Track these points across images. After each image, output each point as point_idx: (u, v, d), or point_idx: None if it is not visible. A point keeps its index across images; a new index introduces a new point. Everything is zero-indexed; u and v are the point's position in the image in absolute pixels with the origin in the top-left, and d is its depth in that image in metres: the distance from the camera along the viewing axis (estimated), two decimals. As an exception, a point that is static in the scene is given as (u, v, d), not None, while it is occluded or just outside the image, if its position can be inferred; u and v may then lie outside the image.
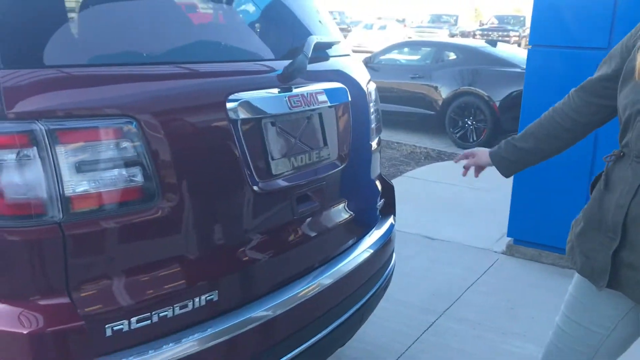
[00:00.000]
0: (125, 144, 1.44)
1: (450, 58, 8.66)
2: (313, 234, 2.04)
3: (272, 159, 1.85)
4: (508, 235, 4.29)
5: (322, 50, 2.16)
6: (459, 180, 6.12)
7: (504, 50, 8.70)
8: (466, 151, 2.00)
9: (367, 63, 9.35)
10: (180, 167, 1.57)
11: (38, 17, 1.45)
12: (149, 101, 1.53)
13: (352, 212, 2.26)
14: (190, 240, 1.63)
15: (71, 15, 1.55)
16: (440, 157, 7.50)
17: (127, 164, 1.45)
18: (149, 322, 1.50)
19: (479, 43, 9.40)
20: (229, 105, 1.70)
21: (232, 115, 1.70)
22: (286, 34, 2.17)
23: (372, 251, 2.28)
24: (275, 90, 1.87)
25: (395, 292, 3.55)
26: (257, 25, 2.15)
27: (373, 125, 2.44)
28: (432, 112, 8.53)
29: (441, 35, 26.25)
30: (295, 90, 1.92)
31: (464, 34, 28.75)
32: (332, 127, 2.13)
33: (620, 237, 1.49)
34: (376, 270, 2.34)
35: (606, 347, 1.66)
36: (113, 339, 1.45)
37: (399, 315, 3.33)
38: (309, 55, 1.93)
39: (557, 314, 1.79)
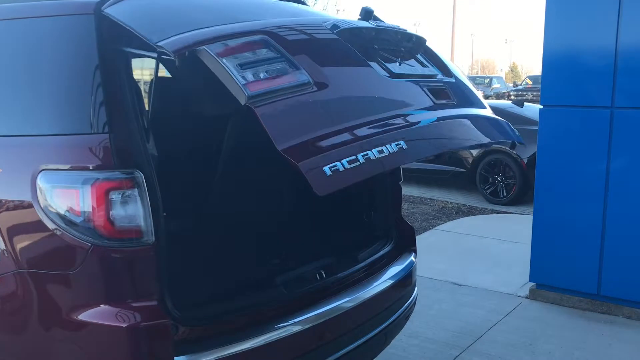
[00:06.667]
0: None
1: (479, 118, 9.10)
2: None
3: None
4: (530, 280, 4.60)
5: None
6: (487, 233, 6.45)
7: (530, 110, 9.11)
8: None
9: (400, 125, 9.88)
10: None
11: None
12: None
13: None
14: None
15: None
16: (471, 212, 7.84)
17: None
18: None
19: (506, 103, 9.86)
20: None
21: None
22: None
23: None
24: None
25: (424, 330, 3.90)
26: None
27: None
28: (463, 170, 8.93)
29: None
30: None
31: (498, 95, 29.27)
32: None
33: None
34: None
35: None
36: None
37: (425, 349, 3.67)
38: None
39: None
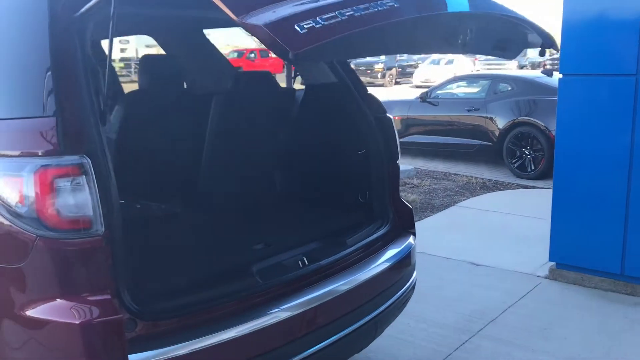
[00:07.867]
0: None
1: (506, 90, 8.76)
2: None
3: None
4: (550, 260, 4.37)
5: None
6: (510, 209, 6.20)
7: (560, 79, 8.72)
8: None
9: (425, 98, 9.59)
10: None
11: None
12: None
13: None
14: None
15: None
16: (496, 187, 7.56)
17: None
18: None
19: (534, 74, 9.46)
20: None
21: None
22: None
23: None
24: None
25: (433, 313, 3.73)
26: None
27: None
28: (490, 143, 8.62)
29: (510, 67, 26.03)
30: None
31: (534, 65, 28.36)
32: None
33: None
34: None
35: None
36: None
37: (432, 334, 3.50)
38: None
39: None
